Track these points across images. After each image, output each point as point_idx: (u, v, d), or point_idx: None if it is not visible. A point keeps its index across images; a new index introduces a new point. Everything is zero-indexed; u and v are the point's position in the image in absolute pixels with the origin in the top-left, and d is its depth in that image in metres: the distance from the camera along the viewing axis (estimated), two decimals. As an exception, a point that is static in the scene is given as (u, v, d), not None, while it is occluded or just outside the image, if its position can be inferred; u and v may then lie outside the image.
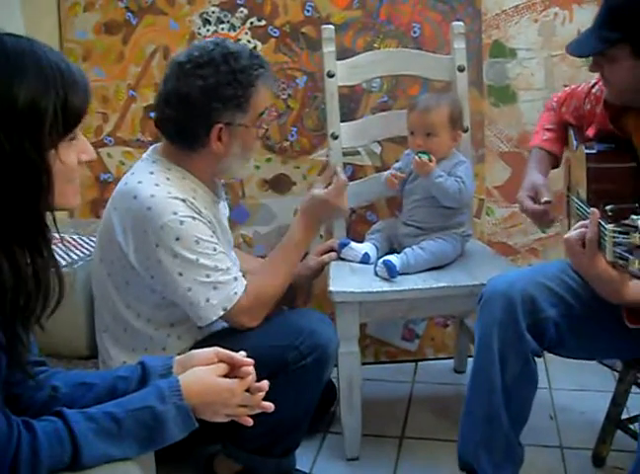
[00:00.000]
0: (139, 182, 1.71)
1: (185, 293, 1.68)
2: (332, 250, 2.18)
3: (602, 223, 1.41)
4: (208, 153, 1.75)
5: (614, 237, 1.33)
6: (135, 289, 1.74)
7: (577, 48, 1.67)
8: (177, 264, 1.66)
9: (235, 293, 1.71)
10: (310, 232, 1.94)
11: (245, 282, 1.75)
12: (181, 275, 1.67)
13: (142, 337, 1.77)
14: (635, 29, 1.54)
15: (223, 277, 1.70)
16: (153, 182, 1.70)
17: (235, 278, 1.73)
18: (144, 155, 1.82)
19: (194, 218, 1.68)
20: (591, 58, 1.67)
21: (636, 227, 1.21)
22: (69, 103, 1.11)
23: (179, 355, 1.63)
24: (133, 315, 1.76)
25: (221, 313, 1.70)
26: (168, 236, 1.64)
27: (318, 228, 2.03)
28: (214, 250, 1.70)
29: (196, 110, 1.70)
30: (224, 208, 1.97)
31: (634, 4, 1.54)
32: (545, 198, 1.84)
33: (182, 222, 1.65)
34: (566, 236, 1.54)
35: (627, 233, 1.26)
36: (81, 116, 1.15)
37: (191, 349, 1.68)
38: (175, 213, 1.65)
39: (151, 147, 1.84)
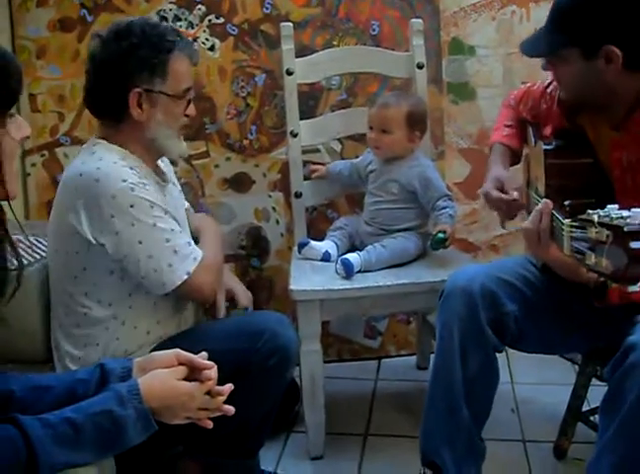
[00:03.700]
0: (82, 162, 1.70)
1: (147, 261, 1.66)
2: None
3: (560, 218, 1.42)
4: (133, 122, 1.73)
5: (571, 232, 1.34)
6: (93, 274, 1.71)
7: (529, 48, 1.69)
8: (135, 232, 1.64)
9: (195, 258, 1.71)
10: None
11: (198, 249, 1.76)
12: (141, 242, 1.65)
13: (97, 328, 1.73)
14: (583, 32, 1.55)
15: (182, 240, 1.71)
16: (97, 158, 1.69)
17: (189, 243, 1.74)
18: (83, 146, 1.80)
19: (144, 184, 1.68)
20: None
21: (592, 222, 1.22)
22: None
23: (127, 352, 1.67)
24: (93, 302, 1.72)
25: (185, 277, 1.68)
26: (122, 205, 1.63)
27: None
28: (166, 213, 1.70)
29: (111, 73, 1.70)
30: (179, 195, 1.95)
31: (581, 7, 1.55)
32: (514, 194, 1.85)
33: (132, 189, 1.64)
34: (523, 225, 1.57)
35: (584, 227, 1.27)
36: (17, 94, 1.19)
37: (150, 351, 1.66)
38: (124, 180, 1.64)
39: (90, 138, 1.83)
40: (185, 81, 1.75)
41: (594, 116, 1.71)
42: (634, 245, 1.13)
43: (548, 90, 1.87)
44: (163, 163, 1.90)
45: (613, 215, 1.18)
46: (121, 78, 1.69)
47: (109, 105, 1.73)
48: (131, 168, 1.68)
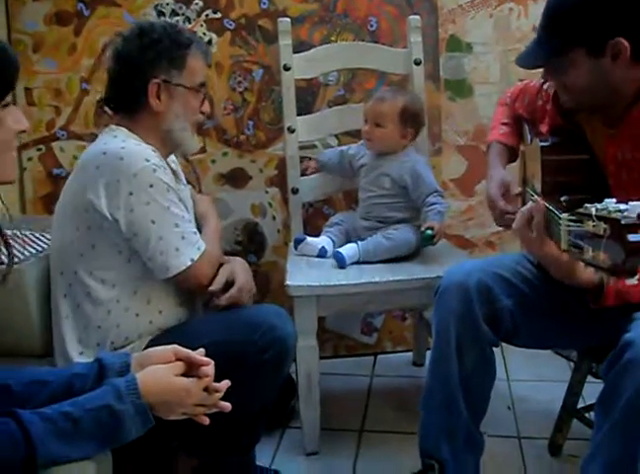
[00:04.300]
0: (105, 143, 1.73)
1: (156, 242, 1.69)
2: None
3: (557, 212, 1.42)
4: (151, 113, 1.78)
5: (569, 226, 1.34)
6: (101, 253, 1.72)
7: (527, 60, 1.65)
8: (150, 211, 1.68)
9: (199, 248, 1.75)
10: None
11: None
12: (153, 222, 1.68)
13: (99, 310, 1.74)
14: (586, 29, 1.52)
15: (190, 229, 1.75)
16: (120, 139, 1.74)
17: (195, 233, 1.77)
18: (100, 134, 1.82)
19: (164, 167, 1.73)
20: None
21: (589, 215, 1.22)
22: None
23: (128, 340, 1.68)
24: (97, 283, 1.73)
25: (189, 263, 1.72)
26: (142, 183, 1.66)
27: None
28: (180, 200, 1.75)
29: (131, 64, 1.76)
30: (188, 195, 1.96)
31: (580, 4, 1.52)
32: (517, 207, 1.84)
33: (155, 170, 1.68)
34: (514, 225, 1.55)
35: (581, 221, 1.27)
36: (13, 83, 1.21)
37: (148, 346, 1.66)
38: (147, 160, 1.68)
39: (104, 128, 1.84)
40: (200, 76, 1.82)
41: (590, 113, 1.70)
42: (632, 238, 1.12)
43: (544, 86, 1.87)
44: (174, 164, 1.93)
45: (611, 209, 1.17)
46: (142, 69, 1.75)
47: (128, 96, 1.78)
48: (153, 150, 1.73)
